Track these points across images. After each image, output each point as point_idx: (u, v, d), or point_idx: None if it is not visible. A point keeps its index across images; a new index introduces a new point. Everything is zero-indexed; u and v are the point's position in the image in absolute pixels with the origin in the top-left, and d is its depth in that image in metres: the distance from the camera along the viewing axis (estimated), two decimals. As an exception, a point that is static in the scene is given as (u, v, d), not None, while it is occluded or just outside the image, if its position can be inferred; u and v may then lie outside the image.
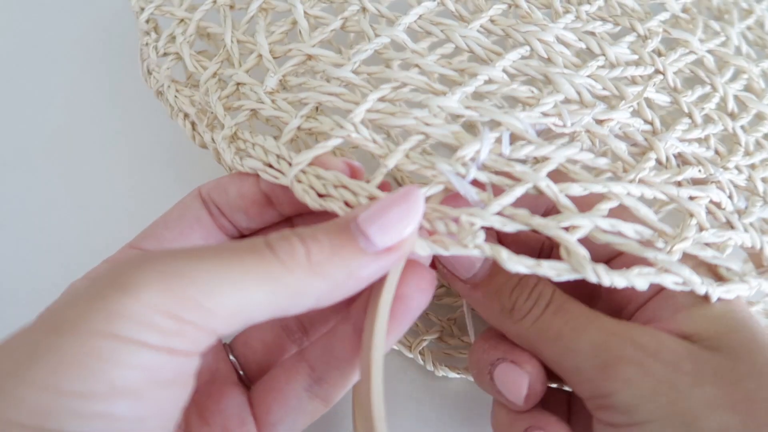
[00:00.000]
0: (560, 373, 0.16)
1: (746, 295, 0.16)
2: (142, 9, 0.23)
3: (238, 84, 0.20)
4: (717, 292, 0.16)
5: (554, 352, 0.16)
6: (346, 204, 0.16)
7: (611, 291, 0.17)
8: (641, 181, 0.17)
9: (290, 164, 0.17)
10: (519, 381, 0.16)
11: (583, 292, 0.17)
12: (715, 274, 0.17)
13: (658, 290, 0.16)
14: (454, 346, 0.22)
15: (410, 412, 0.20)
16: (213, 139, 0.19)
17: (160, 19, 0.23)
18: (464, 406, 0.21)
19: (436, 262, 0.18)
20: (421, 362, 0.21)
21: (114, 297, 0.12)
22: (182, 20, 0.22)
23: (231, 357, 0.18)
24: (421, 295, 0.16)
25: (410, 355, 0.21)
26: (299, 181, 0.17)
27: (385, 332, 0.14)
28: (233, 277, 0.13)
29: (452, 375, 0.21)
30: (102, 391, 0.12)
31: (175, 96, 0.21)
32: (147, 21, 0.23)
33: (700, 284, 0.15)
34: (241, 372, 0.18)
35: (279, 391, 0.17)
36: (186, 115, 0.21)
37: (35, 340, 0.12)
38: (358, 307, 0.17)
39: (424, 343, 0.21)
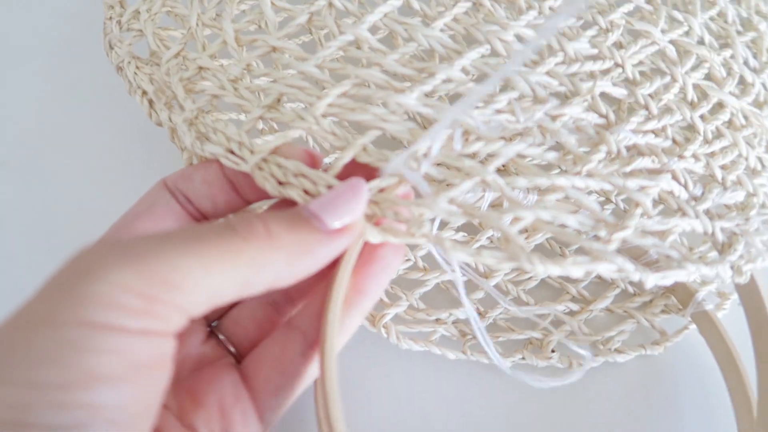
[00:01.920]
0: None
1: (686, 280, 0.19)
2: (106, -17, 0.25)
3: (200, 68, 0.21)
4: (651, 279, 0.18)
5: None
6: (305, 192, 0.18)
7: None
8: (589, 173, 0.19)
9: (252, 152, 0.19)
10: None
11: None
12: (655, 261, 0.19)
13: None
14: (419, 319, 0.24)
15: (375, 386, 0.23)
16: (170, 119, 0.21)
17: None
18: (428, 378, 0.23)
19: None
20: (385, 335, 0.23)
21: (81, 283, 0.13)
22: (147, -2, 0.24)
23: (220, 336, 0.20)
24: (394, 254, 0.19)
25: (372, 330, 0.23)
26: (260, 169, 0.19)
27: (340, 309, 0.17)
28: (196, 253, 0.14)
29: (416, 348, 0.23)
30: (80, 381, 0.12)
31: (135, 72, 0.22)
32: (111, -5, 0.25)
33: (633, 271, 0.18)
34: (232, 349, 0.20)
35: (274, 359, 0.18)
36: (144, 93, 0.22)
37: (7, 337, 0.13)
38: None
39: (388, 317, 0.23)
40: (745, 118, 0.24)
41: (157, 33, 0.23)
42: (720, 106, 0.24)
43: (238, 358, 0.20)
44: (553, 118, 0.20)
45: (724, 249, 0.20)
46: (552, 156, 0.19)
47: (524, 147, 0.19)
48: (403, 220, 0.17)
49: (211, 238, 0.15)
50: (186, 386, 0.18)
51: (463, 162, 0.18)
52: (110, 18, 0.24)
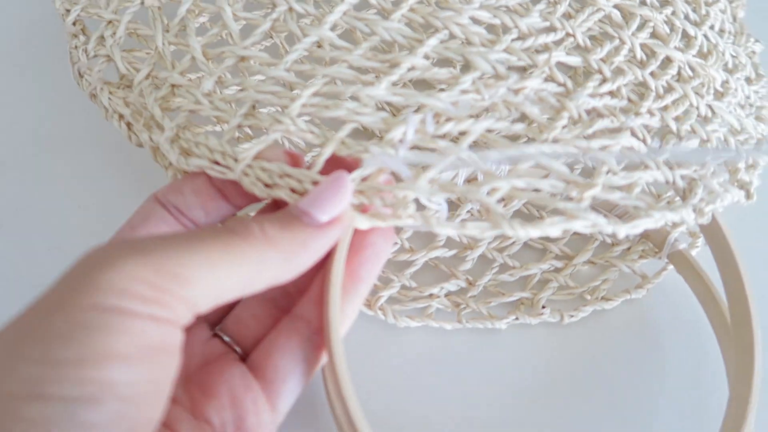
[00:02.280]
0: None
1: (652, 227, 0.20)
2: (68, 11, 0.25)
3: (173, 86, 0.22)
4: (622, 229, 0.19)
5: None
6: (292, 191, 0.19)
7: None
8: (554, 140, 0.20)
9: (236, 160, 0.20)
10: None
11: None
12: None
13: None
14: (413, 297, 0.25)
15: (379, 365, 0.24)
16: (150, 139, 0.22)
17: (87, 19, 0.25)
18: (429, 352, 0.25)
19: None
20: (383, 317, 0.25)
21: (94, 272, 0.14)
22: (110, 22, 0.24)
23: (225, 338, 0.20)
24: (384, 240, 0.20)
25: (371, 313, 0.25)
26: (246, 175, 0.19)
27: (339, 292, 0.18)
28: (201, 251, 0.16)
29: (414, 324, 0.25)
30: (93, 357, 0.13)
31: (109, 98, 0.23)
32: (74, 23, 0.25)
33: (606, 224, 0.19)
34: (237, 349, 0.20)
35: (282, 347, 0.19)
36: (121, 116, 0.23)
37: (24, 321, 0.14)
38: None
39: (383, 299, 0.25)
40: (692, 69, 0.26)
41: (125, 56, 0.23)
42: (668, 61, 0.25)
43: (243, 357, 0.20)
44: (516, 91, 0.21)
45: (685, 194, 0.22)
46: (519, 127, 0.20)
47: (492, 122, 0.20)
48: (388, 205, 0.18)
49: (214, 239, 0.16)
50: (195, 381, 0.19)
51: (437, 143, 0.19)
52: (75, 47, 0.24)
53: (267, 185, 0.19)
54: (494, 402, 0.24)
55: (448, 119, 0.20)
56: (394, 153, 0.19)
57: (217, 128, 0.27)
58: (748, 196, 0.24)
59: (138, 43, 0.25)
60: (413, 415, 0.23)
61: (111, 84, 0.23)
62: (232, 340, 0.20)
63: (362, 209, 0.19)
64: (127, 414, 0.14)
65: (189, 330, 0.20)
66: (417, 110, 0.20)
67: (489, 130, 0.20)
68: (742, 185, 0.24)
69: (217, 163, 0.20)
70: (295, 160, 0.20)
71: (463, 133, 0.20)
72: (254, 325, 0.21)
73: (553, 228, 0.18)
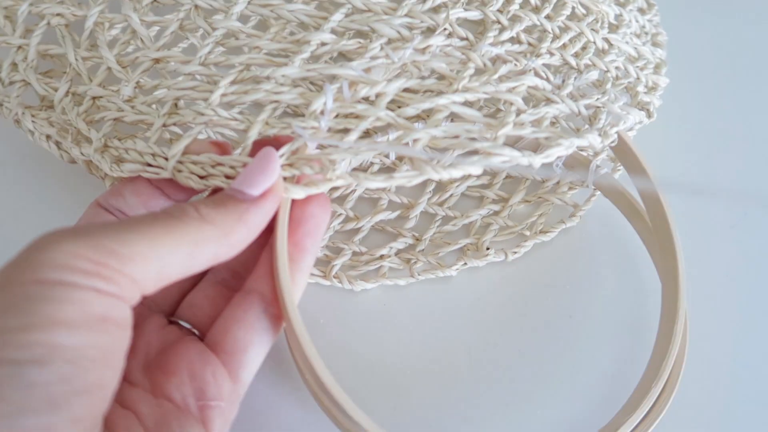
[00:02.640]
0: None
1: (565, 154, 0.22)
2: (-27, 45, 0.25)
3: (94, 98, 0.22)
4: (537, 159, 0.21)
5: None
6: (227, 177, 0.20)
7: None
8: (464, 89, 0.22)
9: (166, 159, 0.20)
10: None
11: None
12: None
13: None
14: (365, 260, 0.27)
15: (343, 329, 0.25)
16: (82, 153, 0.22)
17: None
18: (388, 309, 0.26)
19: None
20: (339, 285, 0.26)
21: (35, 252, 0.15)
22: (20, 47, 0.24)
23: (182, 323, 0.21)
24: (322, 210, 0.21)
25: (327, 283, 0.26)
26: (179, 171, 0.20)
27: (287, 258, 0.19)
28: (138, 231, 0.16)
29: (369, 286, 0.26)
30: (38, 323, 0.14)
31: (33, 121, 0.23)
32: (-19, 56, 0.25)
33: (521, 157, 0.21)
34: (195, 331, 0.21)
35: (239, 320, 0.20)
36: (48, 137, 0.23)
37: None
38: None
39: (336, 268, 0.26)
40: (585, 8, 0.28)
41: (41, 78, 0.24)
42: (561, 3, 0.27)
43: (201, 338, 0.21)
44: (422, 51, 0.22)
45: (591, 121, 0.24)
46: (430, 83, 0.22)
47: (404, 82, 0.21)
48: (318, 172, 0.19)
49: (151, 220, 0.17)
50: (154, 365, 0.19)
51: (356, 107, 0.20)
52: (-11, 77, 0.24)
53: (201, 177, 0.20)
54: (456, 344, 0.26)
55: (363, 84, 0.21)
56: (318, 125, 0.20)
57: (147, 134, 0.27)
58: (649, 115, 0.26)
59: (53, 64, 0.25)
60: (381, 369, 0.25)
61: (32, 107, 0.24)
62: (188, 324, 0.21)
63: (295, 180, 0.20)
64: (74, 375, 0.14)
65: (144, 320, 0.20)
66: (332, 80, 0.21)
67: (403, 89, 0.21)
68: (642, 106, 0.27)
69: (149, 165, 0.21)
70: (223, 149, 0.21)
71: (379, 95, 0.21)
72: (208, 307, 0.21)
73: (473, 167, 0.20)
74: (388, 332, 0.25)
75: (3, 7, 0.25)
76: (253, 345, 0.20)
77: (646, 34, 0.33)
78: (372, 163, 0.28)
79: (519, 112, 0.22)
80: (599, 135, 0.23)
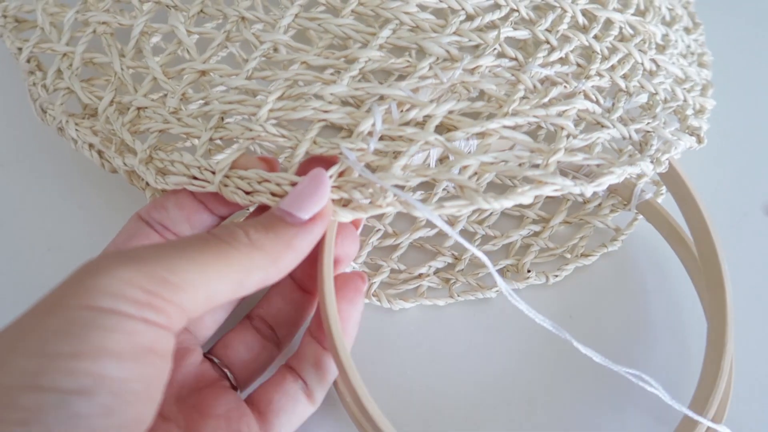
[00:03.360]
0: None
1: (616, 182, 0.22)
2: (20, 49, 0.25)
3: (139, 108, 0.22)
4: (588, 188, 0.21)
5: None
6: (273, 194, 0.20)
7: None
8: (514, 112, 0.22)
9: (213, 172, 0.20)
10: None
11: None
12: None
13: None
14: (404, 279, 0.26)
15: (381, 349, 0.25)
16: (125, 163, 0.22)
17: (40, 54, 0.25)
18: (426, 329, 0.26)
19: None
20: (378, 303, 0.26)
21: (89, 277, 0.15)
22: (65, 54, 0.24)
23: (215, 359, 0.21)
24: (352, 242, 0.21)
25: (366, 301, 0.26)
26: (225, 186, 0.20)
27: (332, 278, 0.19)
28: (190, 259, 0.16)
29: (408, 305, 0.26)
30: (88, 352, 0.14)
31: (76, 129, 0.23)
32: (28, 61, 0.25)
33: (573, 186, 0.20)
34: (228, 373, 0.21)
35: (278, 385, 0.20)
36: (91, 146, 0.23)
37: (22, 321, 0.15)
38: (315, 320, 0.21)
39: (375, 286, 0.26)
40: (633, 28, 0.27)
41: (86, 87, 0.24)
42: (609, 23, 0.26)
43: (234, 383, 0.21)
44: (471, 71, 0.22)
45: (642, 147, 0.23)
46: (479, 105, 0.21)
47: (453, 103, 0.21)
48: (368, 196, 0.19)
49: (203, 247, 0.17)
50: (190, 403, 0.20)
51: (404, 130, 0.20)
52: (34, 84, 0.24)
53: (247, 192, 0.20)
54: (494, 365, 0.25)
55: (412, 106, 0.20)
56: (366, 147, 0.20)
57: (187, 144, 0.27)
58: (699, 141, 0.26)
59: (95, 72, 0.25)
60: (420, 391, 0.24)
61: (76, 115, 0.24)
62: (221, 363, 0.21)
63: (343, 203, 0.20)
64: (117, 409, 0.14)
65: (183, 352, 0.20)
66: (379, 99, 0.21)
67: (452, 111, 0.21)
68: (692, 131, 0.26)
69: (195, 177, 0.20)
70: (270, 165, 0.21)
71: (428, 117, 0.20)
72: (244, 351, 0.22)
73: (524, 197, 0.19)
74: (426, 352, 0.25)
75: (49, 14, 0.25)
76: (287, 412, 0.20)
77: (692, 54, 0.32)
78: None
79: (570, 137, 0.22)
80: (651, 162, 0.23)
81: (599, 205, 0.30)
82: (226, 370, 0.21)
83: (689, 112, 0.27)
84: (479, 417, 0.24)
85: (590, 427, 0.24)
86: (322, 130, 0.21)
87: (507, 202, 0.19)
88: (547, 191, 0.20)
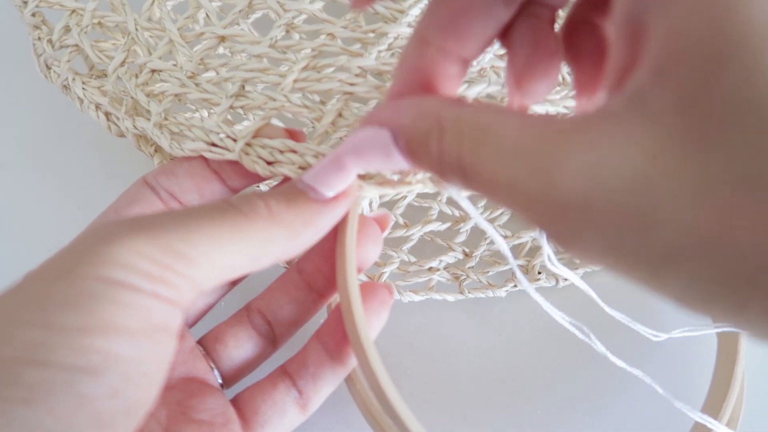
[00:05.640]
0: None
1: None
2: (25, 2, 0.24)
3: (153, 71, 0.21)
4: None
5: None
6: (294, 165, 0.19)
7: None
8: (545, 101, 0.21)
9: (234, 140, 0.19)
10: None
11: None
12: None
13: None
14: (414, 271, 0.26)
15: (391, 341, 0.24)
16: (135, 126, 0.21)
17: (46, 12, 0.24)
18: (435, 324, 0.25)
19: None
20: None
21: (101, 245, 0.14)
22: (74, 11, 0.23)
23: (202, 352, 0.20)
24: (374, 246, 0.20)
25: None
26: (247, 154, 0.19)
27: (355, 266, 0.18)
28: (207, 231, 0.15)
29: (417, 298, 0.25)
30: (98, 326, 0.13)
31: (83, 88, 0.22)
32: (33, 15, 0.24)
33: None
34: (213, 366, 0.20)
35: (266, 393, 0.19)
36: (98, 106, 0.22)
37: (27, 286, 0.14)
38: (327, 325, 0.20)
39: (385, 276, 0.25)
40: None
41: (95, 45, 0.22)
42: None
43: (223, 381, 0.20)
44: (501, 56, 0.22)
45: None
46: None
47: (485, 86, 0.20)
48: (396, 171, 0.18)
49: (221, 218, 0.16)
50: (175, 398, 0.18)
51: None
52: (39, 38, 0.23)
53: (268, 163, 0.19)
54: (502, 366, 0.24)
55: (444, 84, 0.20)
56: (396, 120, 0.19)
57: (196, 116, 0.26)
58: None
59: (102, 35, 0.24)
60: (426, 387, 0.23)
61: (82, 74, 0.22)
62: (210, 356, 0.20)
63: (368, 178, 0.19)
64: (123, 392, 0.13)
65: (179, 338, 0.19)
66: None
67: (482, 95, 0.20)
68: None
69: (214, 144, 0.19)
70: (295, 137, 0.20)
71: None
72: (233, 349, 0.20)
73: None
74: (432, 345, 0.24)
75: (60, -32, 0.24)
76: (272, 423, 0.19)
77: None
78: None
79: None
80: None
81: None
82: (212, 366, 0.20)
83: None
84: (486, 411, 0.23)
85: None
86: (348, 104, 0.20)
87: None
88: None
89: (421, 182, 0.18)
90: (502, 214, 0.28)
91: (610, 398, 0.24)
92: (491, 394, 0.24)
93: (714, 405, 0.22)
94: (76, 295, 0.13)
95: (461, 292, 0.25)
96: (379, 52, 0.21)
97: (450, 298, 0.25)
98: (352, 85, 0.20)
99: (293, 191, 0.18)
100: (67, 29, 0.23)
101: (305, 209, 0.17)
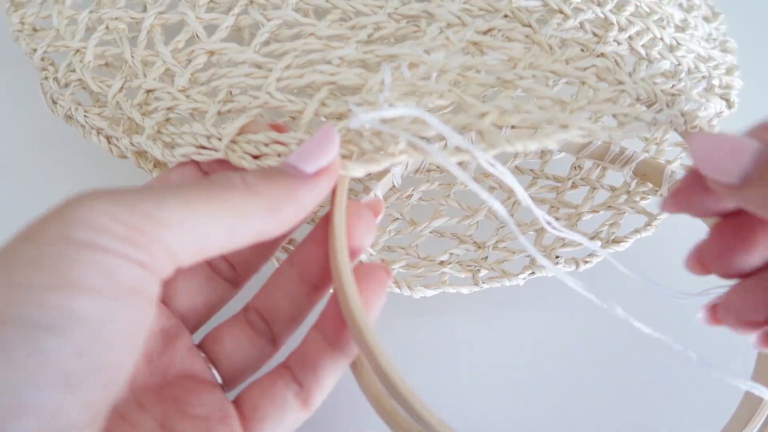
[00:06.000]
0: None
1: (645, 133, 0.20)
2: (34, 50, 0.25)
3: (148, 91, 0.22)
4: (617, 134, 0.19)
5: None
6: (280, 156, 0.19)
7: None
8: (532, 67, 0.21)
9: (220, 139, 0.19)
10: None
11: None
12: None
13: None
14: (424, 266, 0.25)
15: (404, 337, 0.23)
16: (132, 143, 0.22)
17: (53, 54, 0.25)
18: (449, 318, 0.24)
19: (709, 184, 0.17)
20: (398, 290, 0.24)
21: (69, 208, 0.14)
22: (78, 50, 0.25)
23: (201, 354, 0.20)
24: (367, 230, 0.19)
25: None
26: (232, 151, 0.19)
27: (345, 245, 0.17)
28: (180, 196, 0.15)
29: (430, 293, 0.24)
30: (60, 284, 0.13)
31: (85, 115, 0.23)
32: (42, 59, 0.26)
33: (601, 130, 0.19)
34: (211, 366, 0.19)
35: (265, 388, 0.19)
36: (99, 130, 0.23)
37: None
38: (324, 313, 0.19)
39: (393, 273, 0.24)
40: (648, 8, 0.27)
41: (96, 77, 0.24)
42: (623, 1, 0.26)
43: (221, 381, 0.20)
44: (484, 32, 0.22)
45: (669, 106, 0.22)
46: (494, 62, 0.21)
47: (467, 59, 0.20)
48: (378, 146, 0.18)
49: (195, 187, 0.16)
50: (171, 394, 0.18)
51: (416, 84, 0.19)
52: (46, 78, 0.24)
53: (255, 157, 0.19)
54: (526, 355, 0.23)
55: (423, 63, 0.20)
56: (376, 101, 0.19)
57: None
58: (729, 105, 0.25)
59: (105, 72, 0.25)
60: (448, 382, 0.22)
61: (85, 105, 0.24)
62: (208, 357, 0.20)
63: (352, 158, 0.19)
64: (91, 350, 0.13)
65: (169, 337, 0.19)
66: (390, 61, 0.20)
67: (465, 67, 0.20)
68: (722, 96, 0.25)
69: (202, 147, 0.20)
70: (280, 130, 0.20)
71: (442, 73, 0.20)
72: (230, 348, 0.20)
73: (549, 139, 0.18)
74: (449, 341, 0.23)
75: (65, 17, 0.26)
76: (272, 419, 0.18)
77: (714, 40, 0.31)
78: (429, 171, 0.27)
79: (594, 90, 0.21)
80: (681, 115, 0.21)
81: (628, 192, 0.28)
82: (210, 366, 0.19)
83: (716, 82, 0.26)
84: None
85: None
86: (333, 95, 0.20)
87: (531, 144, 0.18)
88: (573, 135, 0.18)
89: (404, 152, 0.18)
90: (515, 204, 0.27)
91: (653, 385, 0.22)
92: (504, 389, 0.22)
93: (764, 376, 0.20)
94: (41, 255, 0.13)
95: (476, 284, 0.24)
96: (359, 42, 0.21)
97: (465, 290, 0.24)
98: (333, 75, 0.20)
99: (272, 169, 0.18)
100: (70, 67, 0.24)
101: (284, 183, 0.17)
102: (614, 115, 0.20)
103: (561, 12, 0.24)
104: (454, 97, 0.19)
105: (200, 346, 0.20)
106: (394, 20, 0.22)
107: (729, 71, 0.30)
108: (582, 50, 0.22)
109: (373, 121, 0.18)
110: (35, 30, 0.27)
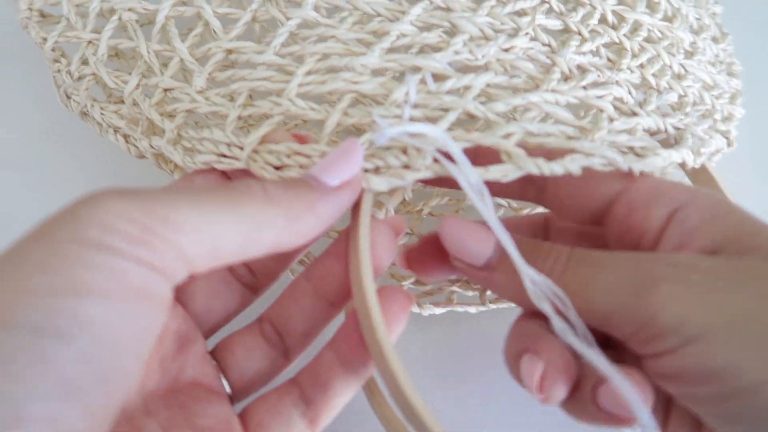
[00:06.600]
0: (601, 325, 0.17)
1: (661, 165, 0.21)
2: (45, 39, 0.25)
3: (165, 90, 0.22)
4: (637, 166, 0.20)
5: (587, 299, 0.16)
6: (302, 168, 0.19)
7: (621, 238, 0.18)
8: (553, 91, 0.21)
9: (241, 148, 0.19)
10: (533, 370, 0.17)
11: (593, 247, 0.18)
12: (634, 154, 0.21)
13: (665, 222, 0.17)
14: (434, 284, 0.25)
15: (413, 355, 0.23)
16: (151, 145, 0.21)
17: (64, 44, 0.25)
18: (456, 335, 0.24)
19: (452, 260, 0.19)
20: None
21: (81, 207, 0.14)
22: (90, 42, 0.24)
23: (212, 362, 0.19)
24: (388, 249, 0.19)
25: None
26: (254, 161, 0.19)
27: (370, 263, 0.17)
28: (195, 199, 0.15)
29: (438, 311, 0.24)
30: (66, 288, 0.12)
31: (101, 113, 0.22)
32: (53, 50, 0.25)
33: (623, 162, 0.19)
34: (225, 382, 0.19)
35: (272, 405, 0.18)
36: (117, 129, 0.22)
37: (3, 254, 0.13)
38: (341, 331, 0.19)
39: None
40: (660, 32, 0.27)
41: (111, 72, 0.23)
42: (637, 25, 0.26)
43: (231, 392, 0.19)
44: (506, 50, 0.21)
45: (677, 141, 0.23)
46: (518, 81, 0.21)
47: (492, 76, 0.20)
48: (404, 161, 0.18)
49: (211, 192, 0.16)
50: (179, 400, 0.18)
51: (441, 99, 0.19)
52: (58, 71, 0.24)
53: (276, 168, 0.19)
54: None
55: (449, 76, 0.20)
56: (401, 112, 0.19)
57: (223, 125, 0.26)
58: (730, 143, 0.25)
59: (117, 65, 0.25)
60: (452, 400, 0.22)
61: (101, 101, 0.23)
62: (218, 366, 0.19)
63: (377, 172, 0.18)
64: (96, 357, 0.12)
65: (183, 342, 0.19)
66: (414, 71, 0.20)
67: (490, 85, 0.20)
68: (722, 134, 0.25)
69: (223, 155, 0.19)
70: (302, 141, 0.20)
71: (466, 87, 0.20)
72: (242, 359, 0.19)
73: (573, 164, 0.18)
74: (458, 359, 0.23)
75: (74, 4, 0.25)
76: None
77: (721, 62, 0.32)
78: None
79: (611, 120, 0.21)
80: (692, 152, 0.22)
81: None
82: (221, 375, 0.19)
83: (717, 116, 0.26)
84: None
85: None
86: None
87: (557, 168, 0.18)
88: (596, 162, 0.19)
89: (430, 169, 0.18)
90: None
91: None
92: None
93: None
94: (49, 257, 0.13)
95: (483, 303, 0.24)
96: (383, 50, 0.21)
97: (472, 310, 0.24)
98: (356, 83, 0.20)
99: (294, 180, 0.18)
100: (84, 60, 0.24)
101: (305, 194, 0.17)
102: (630, 148, 0.20)
103: (579, 34, 0.24)
104: (480, 114, 0.19)
105: (212, 354, 0.20)
106: (418, 29, 0.21)
107: (732, 98, 0.30)
108: (598, 76, 0.22)
109: (400, 135, 0.18)
110: (43, 16, 0.27)
